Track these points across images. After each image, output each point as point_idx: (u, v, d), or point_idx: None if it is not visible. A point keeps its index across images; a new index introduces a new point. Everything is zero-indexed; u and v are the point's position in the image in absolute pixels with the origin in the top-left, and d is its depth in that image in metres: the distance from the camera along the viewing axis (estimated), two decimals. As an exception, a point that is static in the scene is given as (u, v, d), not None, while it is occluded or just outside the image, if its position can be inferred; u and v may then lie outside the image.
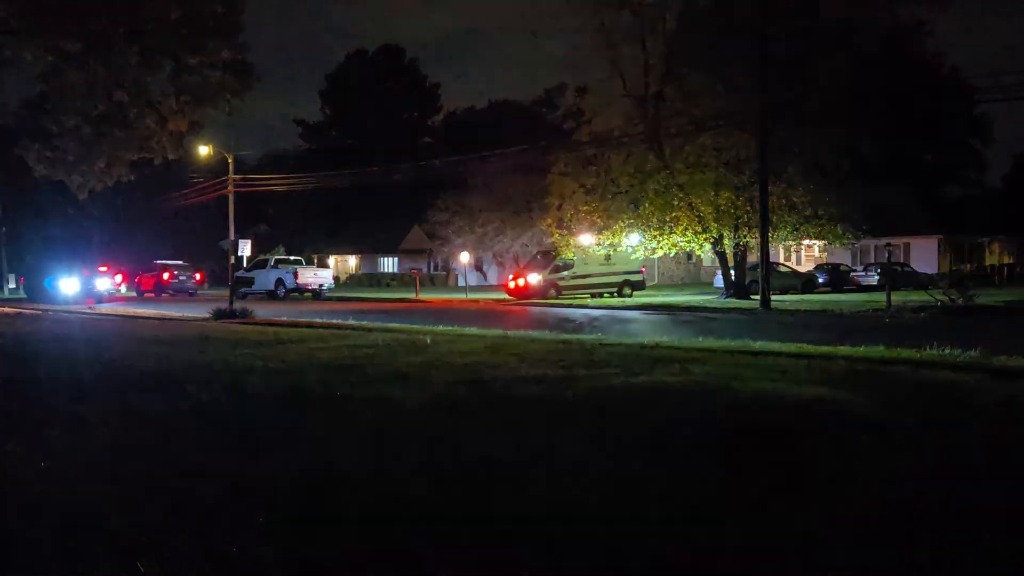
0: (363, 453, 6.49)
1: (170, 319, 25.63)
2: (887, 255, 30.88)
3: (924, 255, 54.00)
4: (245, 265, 42.46)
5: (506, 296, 40.10)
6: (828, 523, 4.76)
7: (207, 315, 25.34)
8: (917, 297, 29.54)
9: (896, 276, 38.62)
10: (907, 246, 54.34)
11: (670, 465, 5.99)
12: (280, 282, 43.35)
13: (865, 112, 33.13)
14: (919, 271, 47.43)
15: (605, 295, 39.50)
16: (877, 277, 44.19)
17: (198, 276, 53.54)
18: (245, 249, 32.36)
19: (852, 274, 46.88)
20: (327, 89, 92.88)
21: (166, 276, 50.82)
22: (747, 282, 36.36)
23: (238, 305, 27.52)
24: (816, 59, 33.25)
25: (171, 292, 50.43)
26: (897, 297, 28.93)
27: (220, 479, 5.73)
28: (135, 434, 7.32)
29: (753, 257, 36.52)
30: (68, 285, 34.76)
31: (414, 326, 20.34)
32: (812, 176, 34.44)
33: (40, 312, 28.80)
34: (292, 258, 49.24)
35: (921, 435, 6.93)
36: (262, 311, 27.88)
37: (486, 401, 8.72)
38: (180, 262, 54.26)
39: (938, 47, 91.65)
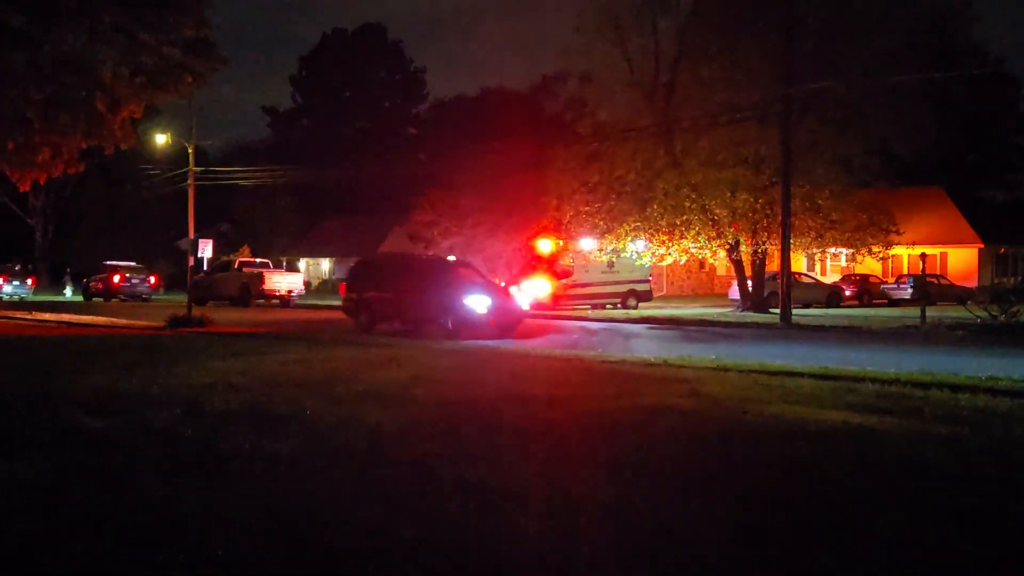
0: (336, 485, 6.43)
1: (118, 327, 25.51)
2: (921, 266, 30.84)
3: (963, 266, 54.05)
4: (206, 268, 42.34)
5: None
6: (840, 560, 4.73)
7: (162, 323, 25.26)
8: (954, 313, 29.58)
9: (931, 289, 38.67)
10: (944, 256, 54.39)
11: (668, 503, 5.95)
12: (245, 287, 43.22)
13: (899, 106, 33.15)
14: (957, 284, 47.52)
15: (607, 306, 39.40)
16: (910, 290, 44.22)
17: (152, 279, 53.35)
18: (206, 250, 32.19)
19: (882, 286, 46.91)
20: (300, 74, 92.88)
21: (116, 279, 50.60)
22: (765, 294, 36.32)
23: (196, 312, 27.47)
24: (847, 45, 33.28)
25: (122, 297, 50.21)
26: (932, 312, 28.97)
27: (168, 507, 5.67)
28: (79, 457, 7.25)
29: (772, 266, 36.49)
30: (478, 303, 23.50)
31: (392, 338, 20.29)
32: (839, 177, 34.45)
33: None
34: (258, 260, 49.08)
35: (960, 469, 6.90)
36: (223, 319, 27.82)
37: (473, 425, 8.67)
38: (132, 263, 54.09)
39: (982, 36, 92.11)
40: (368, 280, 26.22)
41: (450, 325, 22.86)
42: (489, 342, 20.59)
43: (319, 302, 47.56)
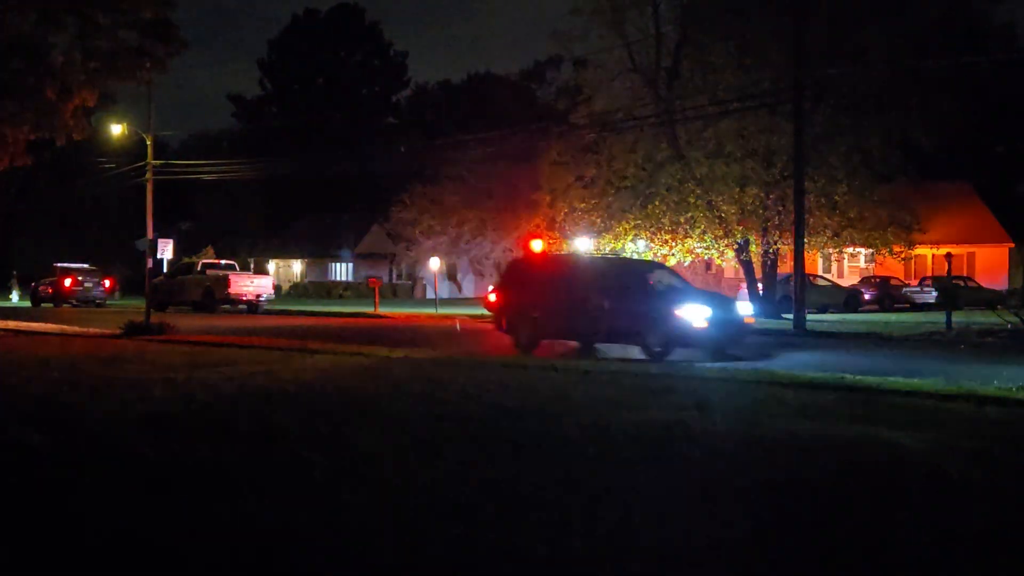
0: (310, 516, 6.43)
1: (72, 335, 25.45)
2: (947, 267, 30.93)
3: (992, 267, 54.14)
4: (166, 270, 42.23)
5: (485, 312, 39.98)
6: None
7: (117, 330, 25.20)
8: (983, 318, 29.62)
9: (958, 292, 38.70)
10: (971, 256, 54.46)
11: (671, 528, 5.97)
12: (208, 291, 43.12)
13: (921, 93, 33.24)
14: (985, 287, 47.63)
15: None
16: (935, 293, 44.32)
17: (107, 283, 53.23)
18: (166, 251, 32.13)
19: (904, 289, 46.99)
20: (268, 58, 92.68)
21: (68, 282, 50.50)
22: (778, 298, 36.37)
23: (156, 319, 27.41)
24: (864, 27, 33.38)
25: (74, 302, 50.11)
26: (959, 317, 29.00)
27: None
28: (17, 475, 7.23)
29: (785, 268, 36.54)
30: (695, 313, 19.28)
31: (372, 348, 20.27)
32: (858, 171, 34.52)
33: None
34: (223, 262, 48.97)
35: (988, 488, 6.93)
36: (186, 326, 27.75)
37: (462, 440, 8.67)
38: (85, 265, 53.97)
39: (1010, 15, 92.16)
40: (529, 285, 22.61)
41: (654, 342, 19.41)
42: (715, 364, 17.15)
43: (291, 307, 47.49)
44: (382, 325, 33.88)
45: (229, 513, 6.12)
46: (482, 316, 38.54)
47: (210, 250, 68.21)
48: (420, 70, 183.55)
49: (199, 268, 45.67)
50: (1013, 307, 27.32)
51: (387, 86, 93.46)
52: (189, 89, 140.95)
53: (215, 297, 42.91)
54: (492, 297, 39.19)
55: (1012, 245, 55.01)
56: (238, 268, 48.42)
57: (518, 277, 23.95)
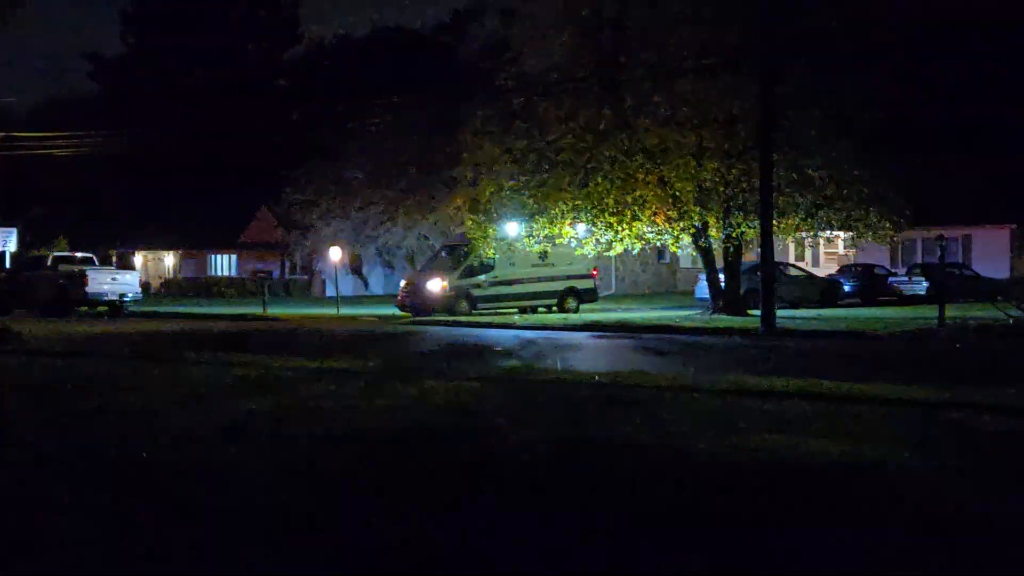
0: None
1: None
2: (939, 252, 31.35)
3: (991, 252, 54.71)
4: (8, 265, 41.64)
5: (397, 311, 39.86)
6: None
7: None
8: (981, 312, 29.99)
9: (952, 282, 39.22)
10: (967, 239, 55.11)
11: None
12: (62, 291, 42.54)
13: (910, 53, 33.56)
14: (984, 275, 48.31)
15: (540, 309, 39.43)
16: (925, 284, 44.87)
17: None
18: (8, 242, 31.72)
19: (891, 279, 47.51)
20: (133, 9, 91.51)
21: None
22: (742, 291, 36.55)
23: (-3, 325, 27.00)
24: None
25: None
26: (953, 312, 29.32)
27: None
28: None
29: (751, 256, 36.80)
30: None
31: (258, 357, 20.12)
32: (835, 141, 34.73)
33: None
34: (79, 255, 48.36)
35: (1000, 517, 7.01)
36: (36, 333, 27.35)
37: (359, 467, 8.64)
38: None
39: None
40: None
41: None
42: None
43: (162, 308, 47.00)
44: (277, 329, 33.56)
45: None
46: (396, 317, 38.44)
47: (63, 241, 67.18)
48: (315, 23, 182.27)
49: (50, 262, 44.98)
50: (1015, 299, 27.59)
51: (276, 42, 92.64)
52: (38, 47, 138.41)
53: (70, 297, 42.31)
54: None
55: (1015, 226, 55.62)
56: (97, 262, 47.82)
57: None
